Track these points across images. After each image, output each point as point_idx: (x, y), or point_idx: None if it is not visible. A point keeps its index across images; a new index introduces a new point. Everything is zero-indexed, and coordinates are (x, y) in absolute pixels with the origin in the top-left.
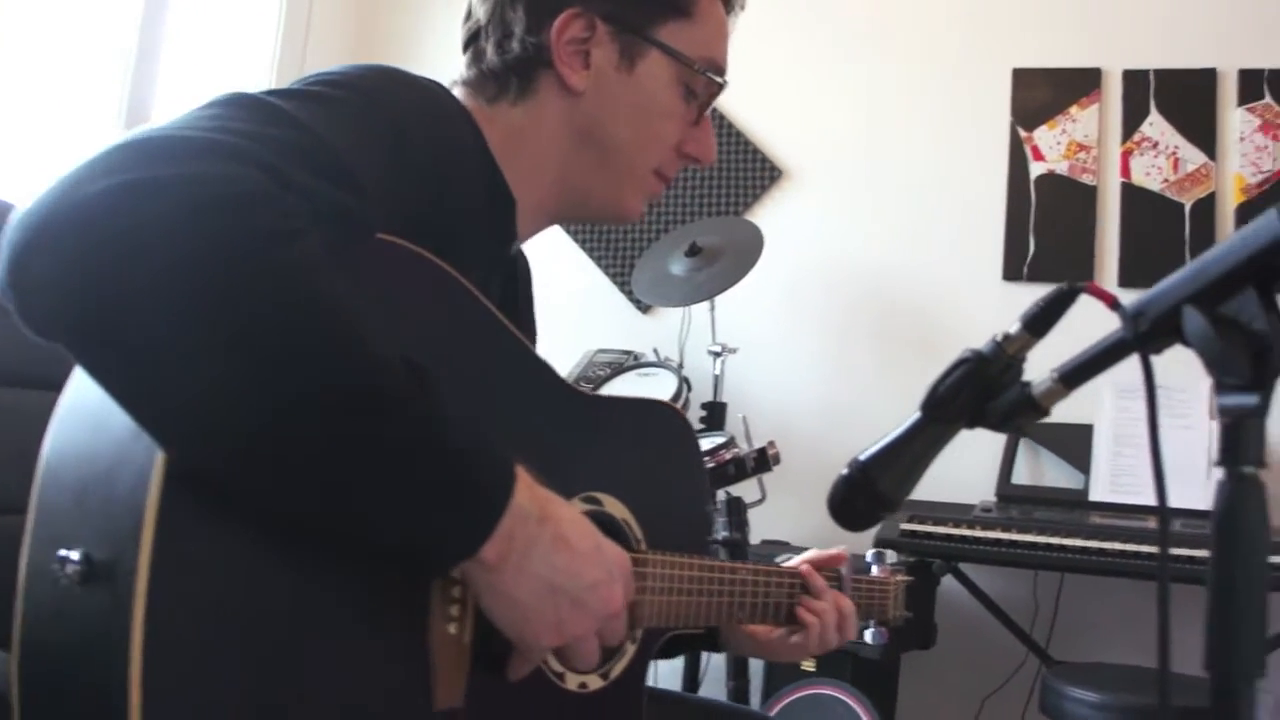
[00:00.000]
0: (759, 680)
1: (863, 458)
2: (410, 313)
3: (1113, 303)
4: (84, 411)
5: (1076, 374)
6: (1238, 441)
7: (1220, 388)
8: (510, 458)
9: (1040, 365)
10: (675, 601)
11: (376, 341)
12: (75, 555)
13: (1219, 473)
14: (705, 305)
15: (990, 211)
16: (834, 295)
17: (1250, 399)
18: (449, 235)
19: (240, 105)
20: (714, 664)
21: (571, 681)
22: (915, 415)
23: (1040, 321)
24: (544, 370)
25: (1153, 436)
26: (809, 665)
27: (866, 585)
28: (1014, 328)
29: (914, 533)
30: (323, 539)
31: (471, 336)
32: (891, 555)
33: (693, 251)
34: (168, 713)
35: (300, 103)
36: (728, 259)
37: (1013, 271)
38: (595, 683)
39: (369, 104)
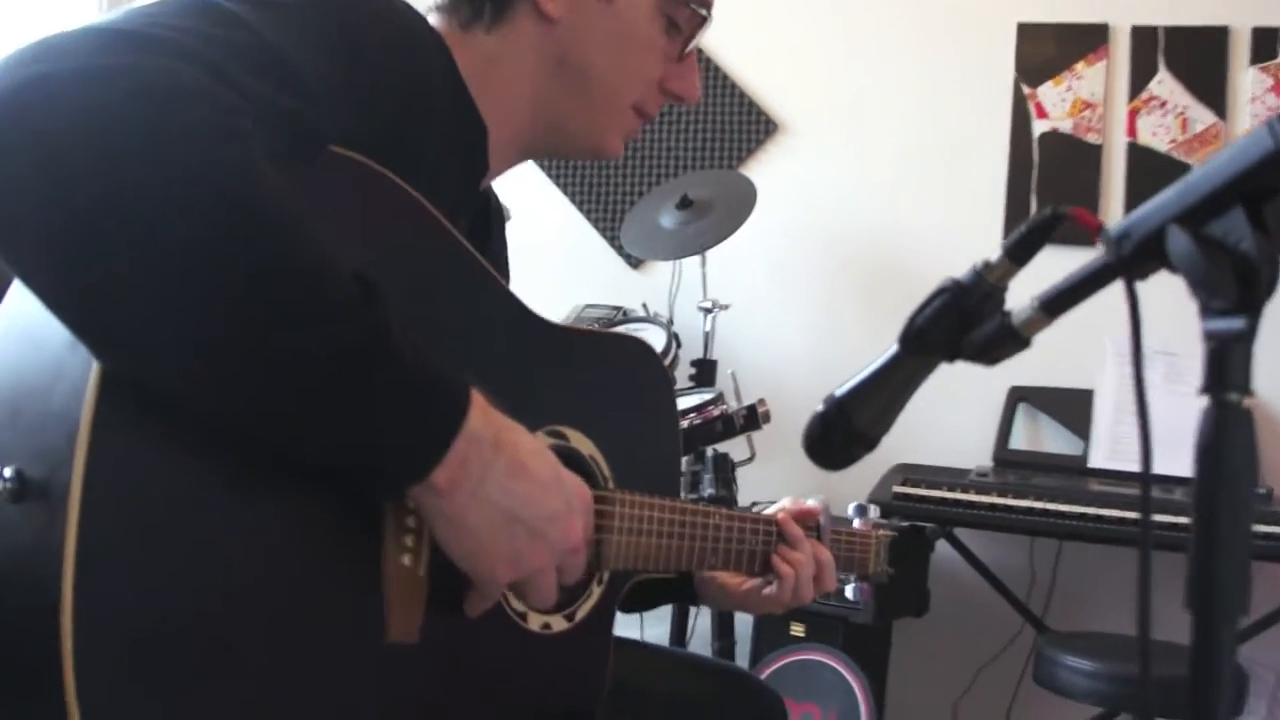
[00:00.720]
0: (746, 644)
1: (839, 393)
2: (363, 231)
3: (1097, 228)
4: (18, 326)
5: (1058, 301)
6: (1223, 367)
7: (1206, 311)
8: (465, 380)
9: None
10: (643, 543)
11: (322, 248)
12: (8, 472)
13: (1204, 400)
14: (696, 260)
15: (992, 170)
16: (829, 252)
17: (1237, 323)
18: (412, 158)
19: (185, 4)
20: (700, 626)
21: (534, 622)
22: (892, 348)
23: (1022, 248)
24: (509, 299)
25: (1137, 373)
26: (798, 630)
27: (847, 537)
28: (994, 255)
29: (907, 496)
30: (267, 453)
31: (431, 260)
32: (875, 511)
33: (684, 204)
34: (101, 636)
35: (251, 6)
36: (720, 213)
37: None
38: (559, 624)
39: (323, 13)
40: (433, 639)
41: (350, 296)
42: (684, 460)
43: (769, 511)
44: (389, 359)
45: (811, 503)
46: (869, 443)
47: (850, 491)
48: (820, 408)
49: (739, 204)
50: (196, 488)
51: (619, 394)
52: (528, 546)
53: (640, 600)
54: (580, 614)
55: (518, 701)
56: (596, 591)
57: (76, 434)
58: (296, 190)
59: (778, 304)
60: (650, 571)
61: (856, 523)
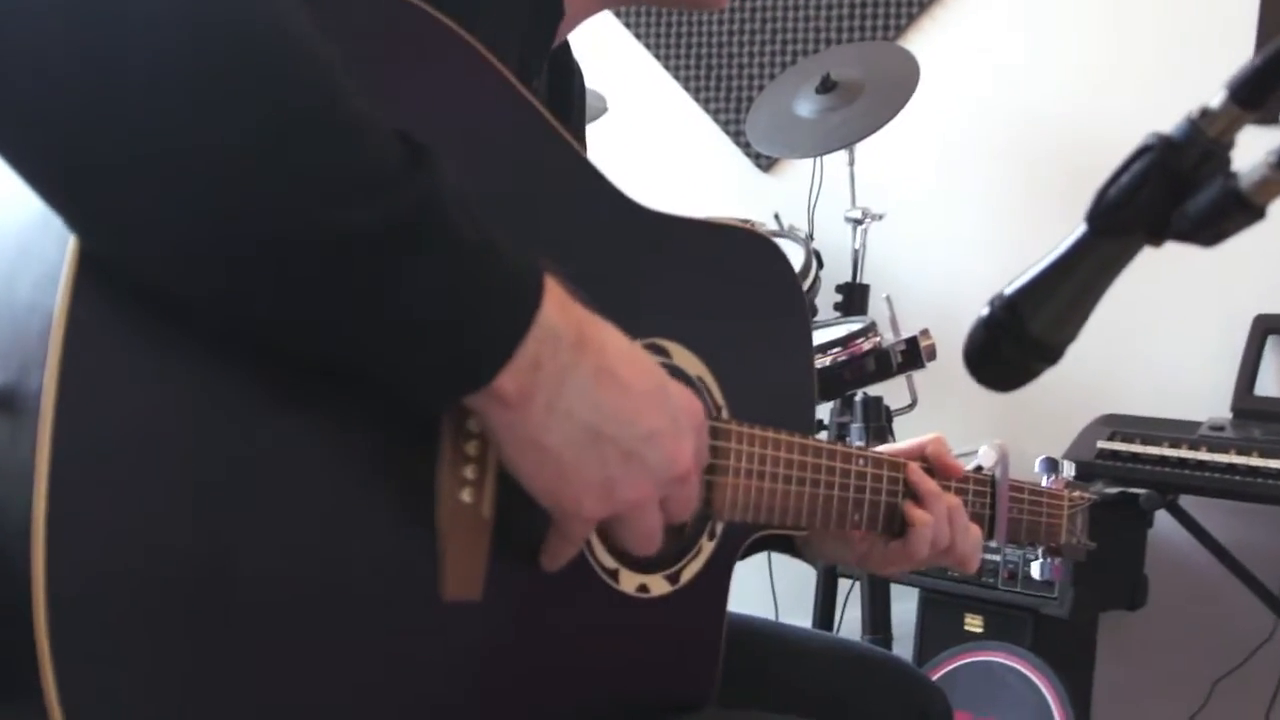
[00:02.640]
0: (908, 641)
1: (1009, 290)
2: (414, 88)
3: None
4: None
5: None
6: None
7: None
8: (538, 262)
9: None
10: (767, 489)
11: (359, 99)
12: None
13: None
14: (841, 158)
15: (1229, 41)
16: (1010, 146)
17: None
18: (472, 3)
19: None
20: (849, 617)
21: (628, 582)
22: (1078, 229)
23: (1255, 88)
24: (597, 180)
25: None
26: (975, 624)
27: (1031, 497)
28: (1216, 99)
29: (1117, 454)
30: (287, 355)
31: (498, 125)
32: (1069, 467)
33: (826, 87)
34: (79, 576)
35: None
36: (871, 97)
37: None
38: (660, 586)
39: None
40: (499, 598)
41: (395, 160)
42: (828, 407)
43: (905, 447)
44: (441, 236)
45: (985, 449)
46: (1049, 353)
47: (1039, 448)
48: (985, 310)
49: (895, 86)
50: (200, 398)
51: (735, 303)
52: (622, 472)
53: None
54: (686, 575)
55: (605, 683)
56: (707, 548)
57: (50, 329)
58: (332, 37)
59: (945, 212)
60: (774, 526)
61: (1045, 480)
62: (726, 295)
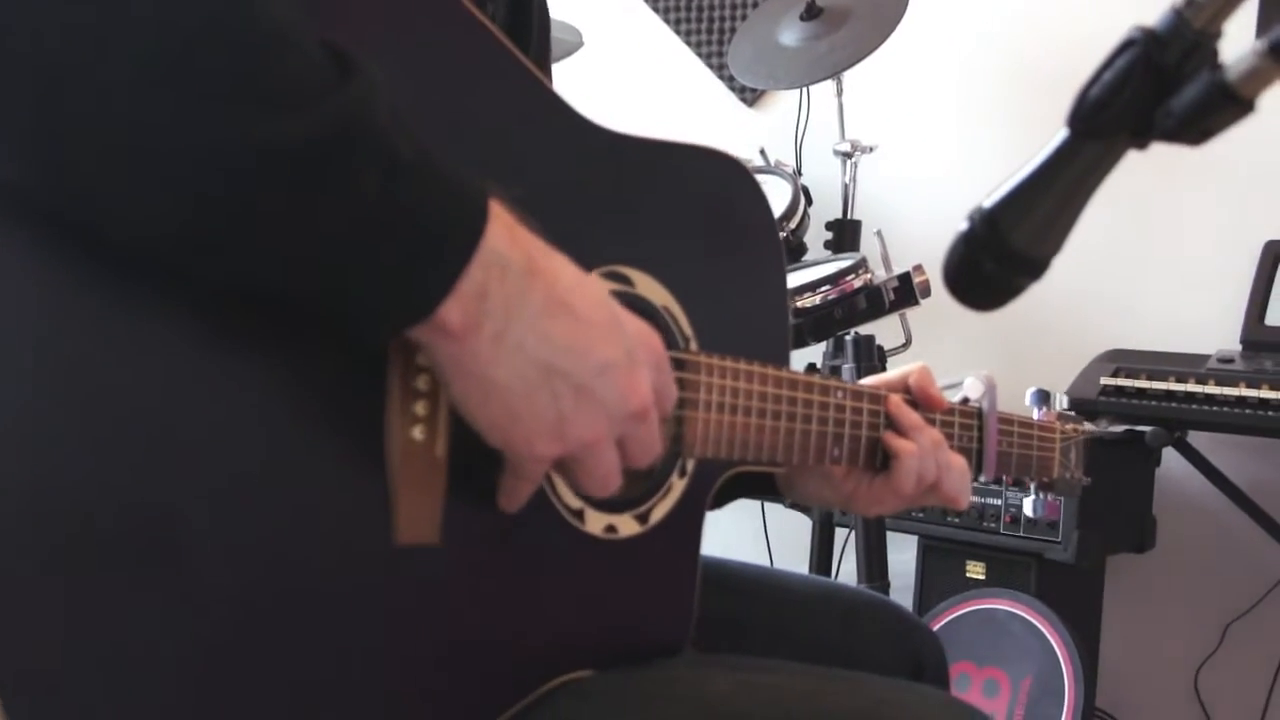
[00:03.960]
0: (908, 593)
1: (987, 204)
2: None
3: None
4: None
5: None
6: None
7: None
8: (483, 184)
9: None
10: (739, 423)
11: (284, 10)
12: None
13: None
14: (829, 88)
15: None
16: (1015, 74)
17: None
18: None
19: None
20: (846, 570)
21: (594, 523)
22: (1059, 134)
23: None
24: (554, 102)
25: None
26: (976, 570)
27: (1021, 429)
28: None
29: (1121, 390)
30: (212, 284)
31: (442, 44)
32: (1060, 399)
33: (811, 13)
34: None
35: None
36: (858, 22)
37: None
38: (629, 526)
39: None
40: (457, 542)
41: (320, 71)
42: (820, 348)
43: (870, 383)
44: (374, 153)
45: (971, 380)
46: (1033, 267)
47: (1040, 384)
48: (963, 225)
49: (883, 10)
50: (121, 334)
51: (703, 228)
52: (574, 409)
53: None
54: (657, 515)
55: (574, 629)
56: (678, 486)
57: None
58: None
59: (939, 143)
60: (748, 462)
61: (1037, 412)
62: (694, 220)
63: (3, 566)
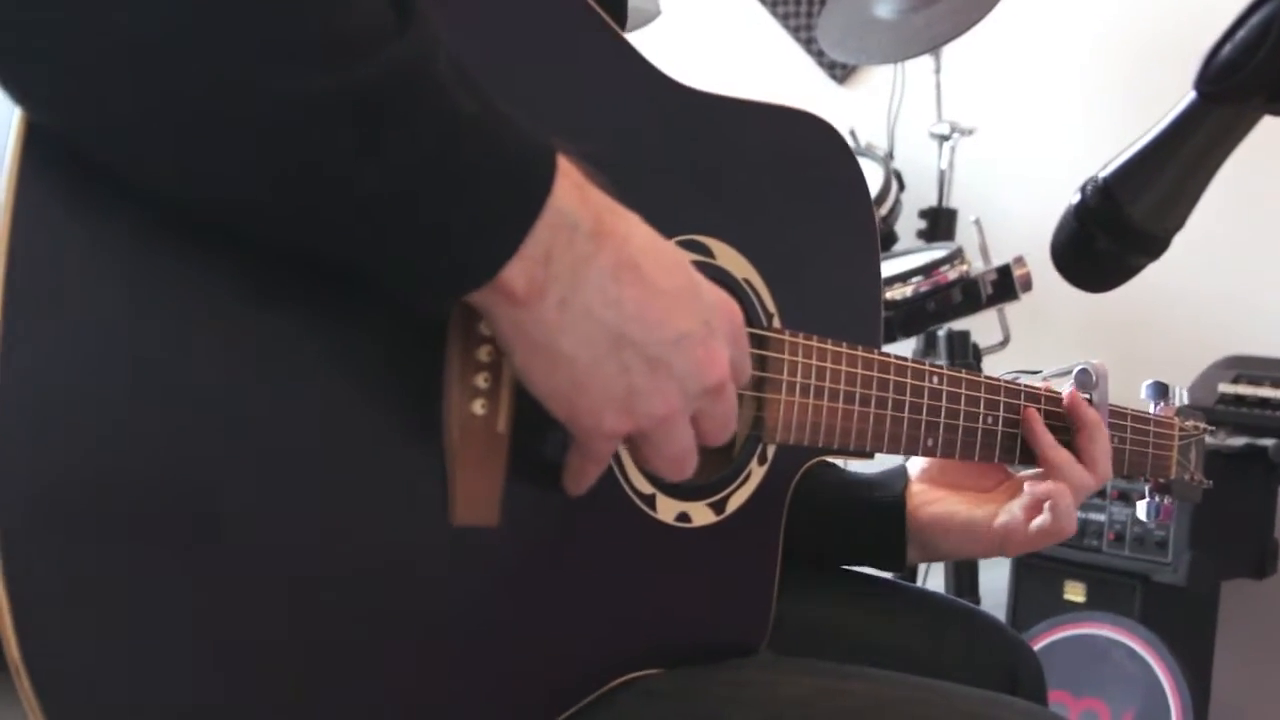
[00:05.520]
0: (1000, 615)
1: (1104, 174)
2: None
3: None
4: None
5: None
6: None
7: None
8: (551, 141)
9: None
10: (825, 407)
11: None
12: None
13: None
14: (926, 65)
15: None
16: (1131, 48)
17: None
18: None
19: None
20: (931, 582)
21: (666, 510)
22: (1185, 98)
23: None
24: (631, 55)
25: None
26: (1075, 592)
27: (1135, 424)
28: None
29: (1242, 399)
30: (269, 244)
31: None
32: (1180, 393)
33: None
34: (21, 495)
35: None
36: None
37: None
38: (703, 515)
39: None
40: (518, 525)
41: (379, 19)
42: (910, 344)
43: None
44: (433, 105)
45: (1081, 368)
46: (1153, 245)
47: None
48: (1075, 197)
49: None
50: (168, 294)
51: (790, 197)
52: (646, 382)
53: (808, 533)
54: (733, 504)
55: (641, 623)
56: (757, 474)
57: None
58: None
59: (1043, 125)
60: (833, 450)
61: (1152, 406)
62: (780, 188)
63: (40, 539)
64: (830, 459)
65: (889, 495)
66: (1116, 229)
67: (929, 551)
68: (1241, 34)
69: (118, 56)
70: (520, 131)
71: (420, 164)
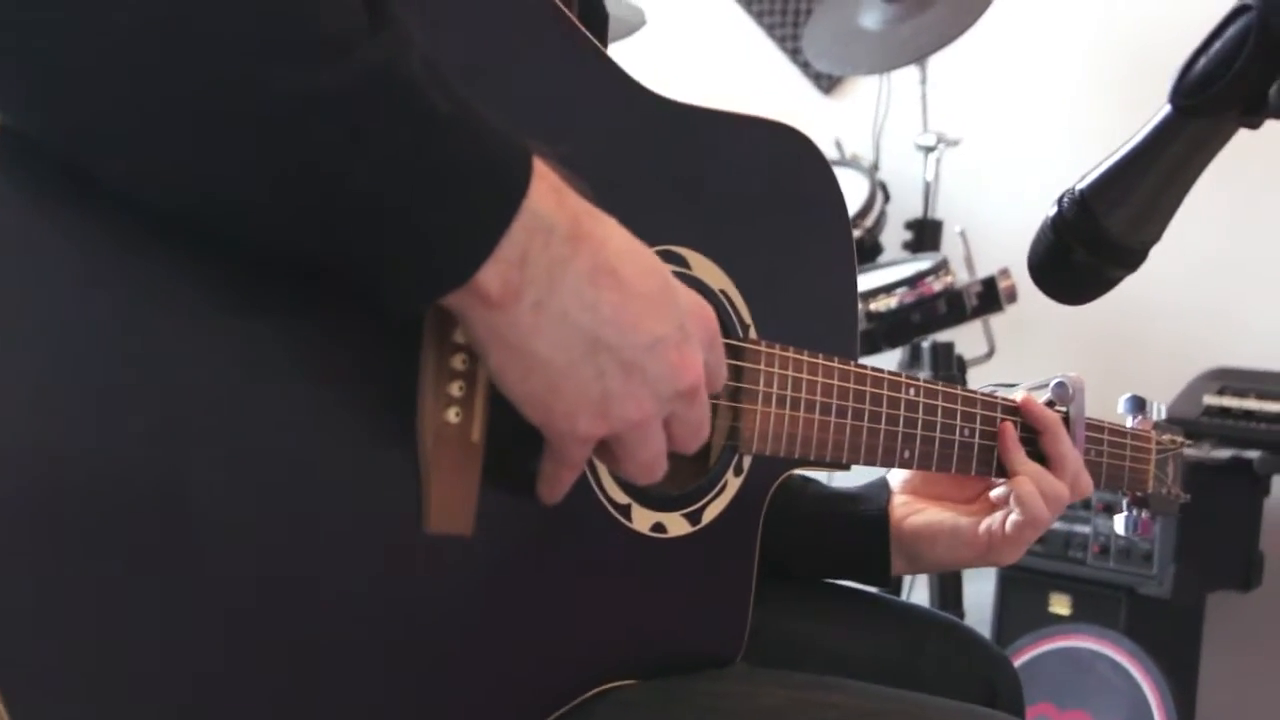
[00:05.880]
0: (985, 628)
1: (1080, 186)
2: None
3: None
4: None
5: None
6: None
7: None
8: (527, 144)
9: None
10: (799, 418)
11: None
12: None
13: None
14: (912, 75)
15: None
16: (1117, 60)
17: None
18: None
19: None
20: (917, 595)
21: (642, 521)
22: (1161, 111)
23: None
24: (606, 64)
25: None
26: (1060, 605)
27: (1112, 437)
28: None
29: (1227, 411)
30: (239, 245)
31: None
32: (1158, 408)
33: None
34: None
35: None
36: (946, 3)
37: None
38: (679, 526)
39: None
40: (492, 534)
41: (352, 20)
42: (895, 355)
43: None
44: (407, 106)
45: (1057, 381)
46: (1129, 257)
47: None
48: (1052, 209)
49: None
50: (142, 296)
51: (766, 208)
52: (621, 386)
53: (792, 548)
54: (709, 515)
55: (616, 634)
56: (733, 485)
57: None
58: None
59: (1029, 137)
60: (809, 461)
61: (1130, 420)
62: (758, 200)
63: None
64: (810, 473)
65: (872, 508)
66: (1093, 242)
67: (916, 562)
68: (1216, 47)
69: (118, 57)
70: (496, 133)
71: (394, 164)
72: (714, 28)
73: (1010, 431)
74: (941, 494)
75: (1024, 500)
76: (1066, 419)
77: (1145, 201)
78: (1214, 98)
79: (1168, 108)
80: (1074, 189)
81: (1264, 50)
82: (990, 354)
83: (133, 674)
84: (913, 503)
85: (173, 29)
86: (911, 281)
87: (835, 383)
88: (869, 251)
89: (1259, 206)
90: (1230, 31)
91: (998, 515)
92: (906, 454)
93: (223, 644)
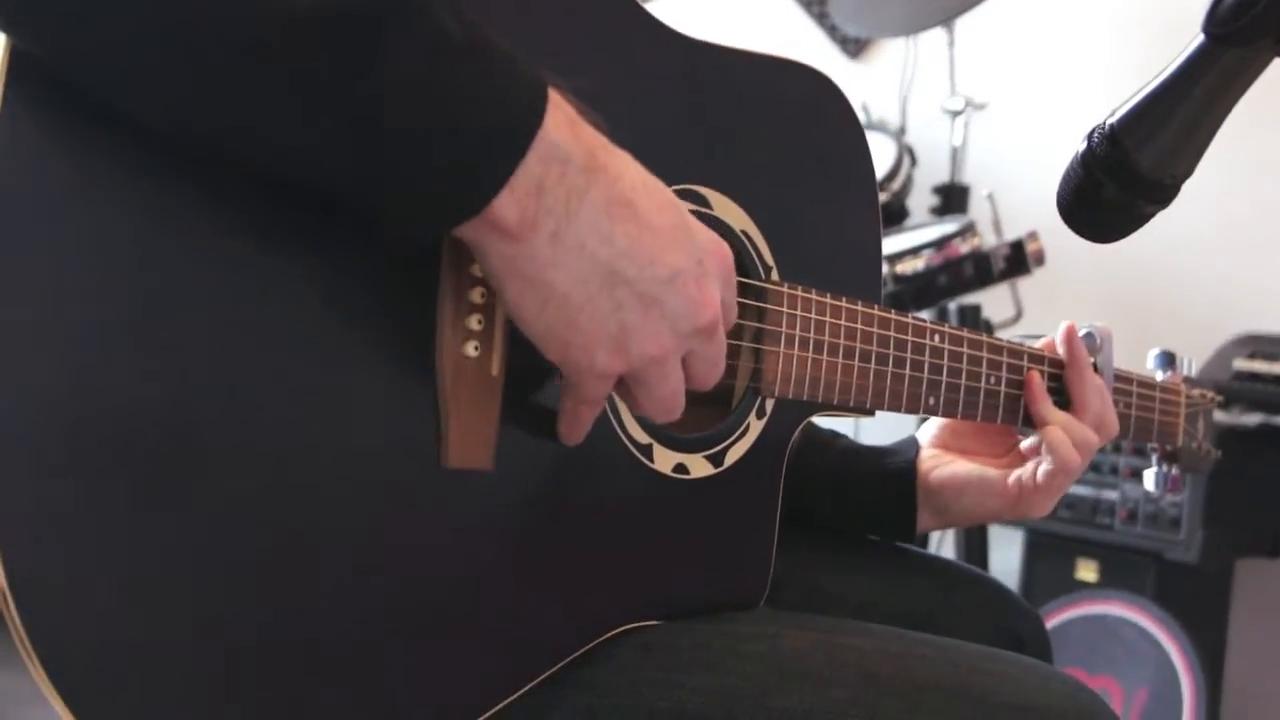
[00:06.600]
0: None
1: (1111, 120)
2: None
3: None
4: None
5: None
6: None
7: None
8: (541, 73)
9: None
10: (822, 361)
11: None
12: None
13: None
14: (939, 38)
15: None
16: (1149, 20)
17: None
18: None
19: None
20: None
21: (663, 461)
22: (1194, 40)
23: None
24: (634, 8)
25: None
26: (1088, 571)
27: (1141, 389)
28: None
29: (1256, 375)
30: (251, 170)
31: None
32: (1189, 363)
33: None
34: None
35: None
36: None
37: None
38: (700, 468)
39: None
40: (512, 470)
41: None
42: (923, 317)
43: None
44: (419, 27)
45: (1086, 332)
46: (1162, 192)
47: None
48: (1081, 145)
49: None
50: (157, 228)
51: (789, 149)
52: (639, 320)
53: (818, 500)
54: (731, 457)
55: (638, 573)
56: (756, 427)
57: None
58: None
59: (1059, 99)
60: (832, 406)
61: (1160, 375)
62: (781, 142)
63: (18, 463)
64: (837, 421)
65: (900, 461)
66: (1124, 176)
67: (943, 514)
68: None
69: None
70: (512, 62)
71: (406, 87)
72: None
73: (1038, 380)
74: (970, 448)
75: (1055, 448)
76: (1094, 369)
77: (1177, 135)
78: (1247, 26)
79: (1201, 37)
80: (1104, 123)
81: None
82: (1018, 317)
83: (149, 612)
84: (941, 456)
85: None
86: (938, 244)
87: (859, 326)
88: (895, 215)
89: None
90: None
91: (1029, 465)
92: (931, 401)
93: (240, 581)
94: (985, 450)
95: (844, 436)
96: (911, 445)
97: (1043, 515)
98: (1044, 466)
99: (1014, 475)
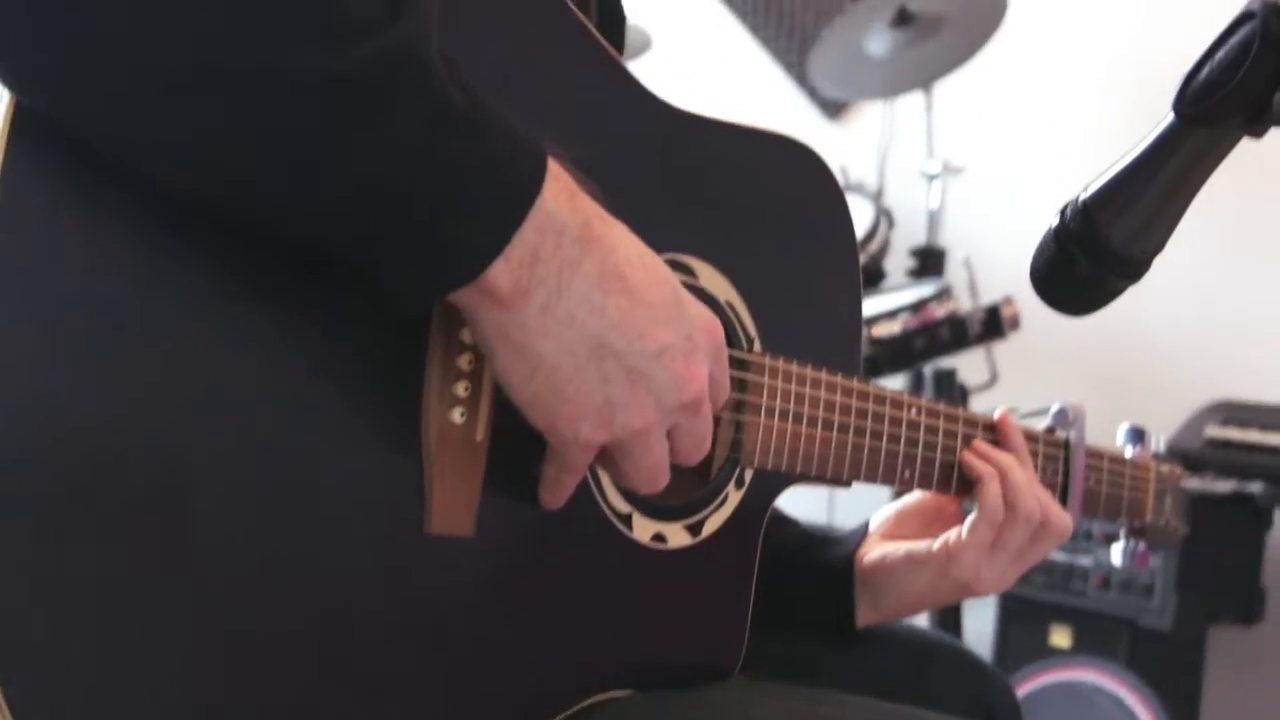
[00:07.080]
0: (984, 657)
1: (1083, 196)
2: None
3: None
4: None
5: None
6: None
7: None
8: (540, 144)
9: None
10: (801, 432)
11: None
12: None
13: None
14: (918, 102)
15: None
16: (1124, 87)
17: None
18: None
19: None
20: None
21: (642, 530)
22: (1164, 119)
23: None
24: (624, 77)
25: None
26: (1061, 638)
27: (1111, 465)
28: None
29: (1229, 443)
30: (248, 229)
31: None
32: (1158, 439)
33: (901, 20)
34: None
35: None
36: (952, 30)
37: None
38: (679, 537)
39: None
40: (493, 537)
41: (371, 10)
42: (898, 381)
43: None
44: (422, 95)
45: (1057, 409)
46: (1132, 268)
47: None
48: (1055, 220)
49: (979, 19)
50: (153, 286)
51: (773, 221)
52: (625, 393)
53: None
54: (709, 527)
55: (613, 642)
56: (734, 497)
57: None
58: None
59: (1035, 164)
60: (810, 476)
61: (1129, 450)
62: (766, 213)
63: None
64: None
65: (840, 554)
66: (1096, 252)
67: (880, 601)
68: (1220, 55)
69: (139, 23)
70: (511, 131)
71: (406, 152)
72: (719, 52)
73: (977, 444)
74: (914, 534)
75: (983, 487)
76: (1067, 445)
77: (1148, 211)
78: (1217, 106)
79: (1171, 117)
80: (1077, 199)
81: (1267, 58)
82: (993, 381)
83: (129, 671)
84: (879, 544)
85: (195, 5)
86: (915, 307)
87: (838, 399)
88: (872, 277)
89: (1265, 241)
90: (1234, 39)
91: (955, 527)
92: (907, 473)
93: (221, 640)
94: (928, 534)
95: (793, 523)
96: (855, 535)
97: (986, 585)
98: (970, 516)
99: (940, 538)
